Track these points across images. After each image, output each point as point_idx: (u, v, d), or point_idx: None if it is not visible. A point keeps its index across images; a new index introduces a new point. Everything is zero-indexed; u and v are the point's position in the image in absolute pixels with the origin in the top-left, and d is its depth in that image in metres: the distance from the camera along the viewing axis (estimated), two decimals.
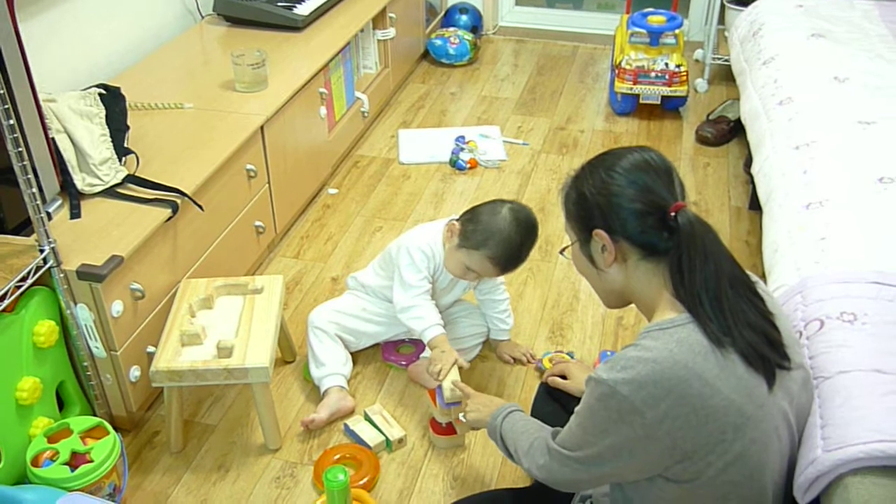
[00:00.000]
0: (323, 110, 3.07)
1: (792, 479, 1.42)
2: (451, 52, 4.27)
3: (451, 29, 4.36)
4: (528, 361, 2.40)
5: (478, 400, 1.89)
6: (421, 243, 2.22)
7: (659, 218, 1.36)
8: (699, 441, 1.28)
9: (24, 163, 1.75)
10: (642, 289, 1.42)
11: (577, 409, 1.42)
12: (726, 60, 3.77)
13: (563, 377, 1.99)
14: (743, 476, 1.33)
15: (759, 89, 2.83)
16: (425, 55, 4.40)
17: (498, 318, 2.40)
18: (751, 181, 2.83)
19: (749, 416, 1.29)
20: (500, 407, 1.75)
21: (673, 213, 1.34)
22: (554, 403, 1.99)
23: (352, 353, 2.36)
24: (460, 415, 1.95)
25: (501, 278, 2.38)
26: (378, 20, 3.62)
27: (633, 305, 1.49)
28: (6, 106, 1.68)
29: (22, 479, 1.88)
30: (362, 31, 3.49)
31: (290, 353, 2.39)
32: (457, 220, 2.19)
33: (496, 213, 2.12)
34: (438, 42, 4.29)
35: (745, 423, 1.29)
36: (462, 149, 3.44)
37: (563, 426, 1.91)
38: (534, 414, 2.03)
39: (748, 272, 1.43)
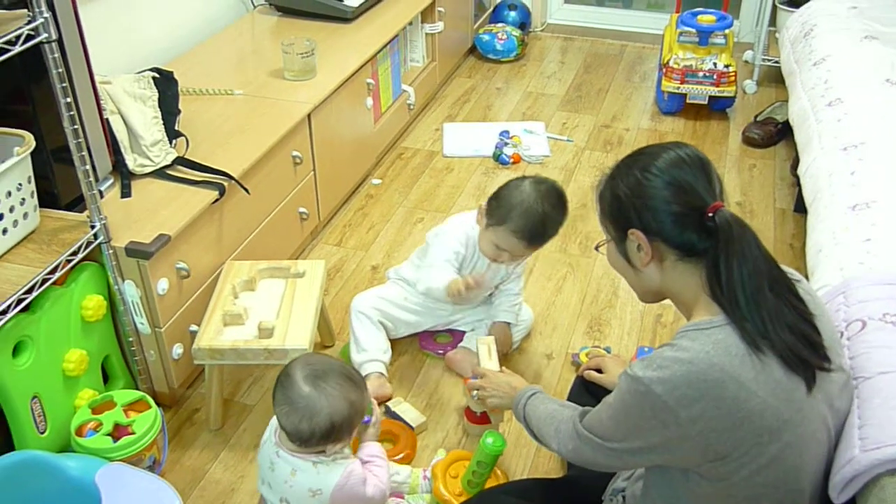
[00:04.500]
0: (369, 101, 3.10)
1: (828, 481, 1.41)
2: (499, 47, 4.28)
3: (500, 25, 4.37)
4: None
5: (495, 383, 1.90)
6: (458, 233, 2.23)
7: (696, 219, 1.34)
8: (734, 443, 1.27)
9: (79, 140, 1.80)
10: (679, 289, 1.41)
11: (608, 399, 1.42)
12: (776, 62, 3.73)
13: (599, 371, 1.99)
14: (777, 479, 1.31)
15: (808, 90, 2.80)
16: (472, 50, 4.41)
17: (503, 301, 2.36)
18: (797, 183, 2.80)
19: (786, 420, 1.28)
20: (520, 393, 1.75)
21: (710, 214, 1.33)
22: (589, 397, 1.99)
23: (389, 341, 2.38)
24: (473, 393, 1.97)
25: (520, 271, 2.37)
26: (427, 14, 3.64)
27: (671, 303, 1.47)
28: (64, 85, 1.73)
29: (66, 448, 1.93)
30: (411, 24, 3.51)
31: (329, 337, 2.42)
32: (486, 202, 2.20)
33: (517, 187, 2.12)
34: (486, 37, 4.30)
35: (781, 426, 1.28)
36: (506, 143, 3.45)
37: None
38: None
39: (791, 271, 1.41)
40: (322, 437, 1.60)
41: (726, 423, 1.26)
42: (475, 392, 1.96)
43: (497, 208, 2.12)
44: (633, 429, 1.35)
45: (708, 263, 1.34)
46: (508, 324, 2.36)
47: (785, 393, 1.28)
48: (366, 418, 1.78)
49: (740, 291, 1.30)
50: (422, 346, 2.43)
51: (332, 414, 1.59)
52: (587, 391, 2.00)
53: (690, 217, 1.34)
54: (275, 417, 1.70)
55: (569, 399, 2.05)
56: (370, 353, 2.27)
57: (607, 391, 1.94)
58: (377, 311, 2.32)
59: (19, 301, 1.74)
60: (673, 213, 1.35)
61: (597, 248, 1.57)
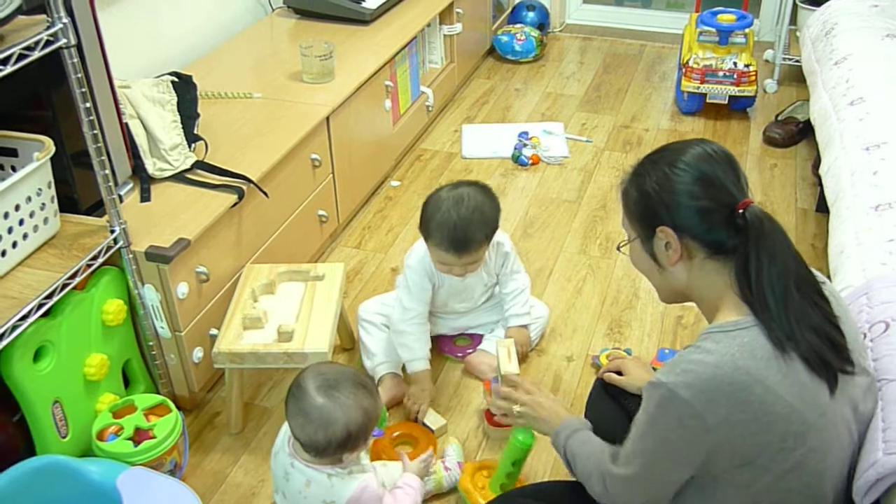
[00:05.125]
0: (388, 103, 3.10)
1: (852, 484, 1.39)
2: (517, 48, 4.27)
3: (518, 25, 4.36)
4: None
5: (543, 403, 1.78)
6: (414, 262, 2.21)
7: (726, 215, 1.32)
8: (760, 447, 1.26)
9: (99, 145, 1.81)
10: (706, 288, 1.39)
11: (635, 419, 1.38)
12: (797, 61, 3.69)
13: (619, 373, 1.98)
14: (800, 484, 1.30)
15: (829, 89, 2.78)
16: (491, 51, 4.40)
17: (512, 305, 2.34)
18: (818, 183, 2.78)
19: (811, 425, 1.26)
20: (563, 423, 1.67)
21: (741, 210, 1.31)
22: (609, 399, 1.98)
23: None
24: (515, 408, 1.85)
25: (516, 267, 2.34)
26: (445, 15, 3.64)
27: (692, 304, 1.46)
28: (83, 90, 1.74)
29: (87, 452, 1.94)
30: (429, 25, 3.51)
31: (348, 340, 2.42)
32: None
33: (433, 199, 2.08)
34: (505, 38, 4.29)
35: (806, 431, 1.26)
36: (525, 145, 3.44)
37: (618, 422, 1.91)
38: (589, 409, 2.02)
39: (815, 271, 1.40)
40: (338, 446, 1.59)
41: (753, 427, 1.25)
42: (517, 408, 1.80)
43: (421, 227, 2.10)
44: (660, 440, 1.32)
45: (737, 261, 1.33)
46: (524, 326, 2.35)
47: (810, 397, 1.27)
48: (376, 431, 1.76)
49: (769, 291, 1.28)
50: (440, 350, 2.42)
51: (347, 423, 1.57)
52: (607, 393, 1.99)
53: (720, 213, 1.33)
54: (286, 426, 1.69)
55: (588, 402, 2.04)
56: (379, 356, 2.27)
57: (627, 394, 1.94)
58: (382, 317, 2.32)
59: (40, 306, 1.75)
60: (703, 209, 1.34)
61: (619, 249, 1.54)
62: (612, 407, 1.97)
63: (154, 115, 2.22)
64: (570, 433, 1.64)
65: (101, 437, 1.91)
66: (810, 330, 1.29)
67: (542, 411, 1.78)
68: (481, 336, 2.41)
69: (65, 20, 1.65)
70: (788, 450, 1.26)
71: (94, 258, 1.89)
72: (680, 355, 1.31)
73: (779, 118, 3.56)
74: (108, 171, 1.85)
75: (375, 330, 2.31)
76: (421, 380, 2.19)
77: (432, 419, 2.16)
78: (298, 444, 1.64)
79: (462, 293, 2.31)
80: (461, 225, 2.03)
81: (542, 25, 4.49)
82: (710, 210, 1.33)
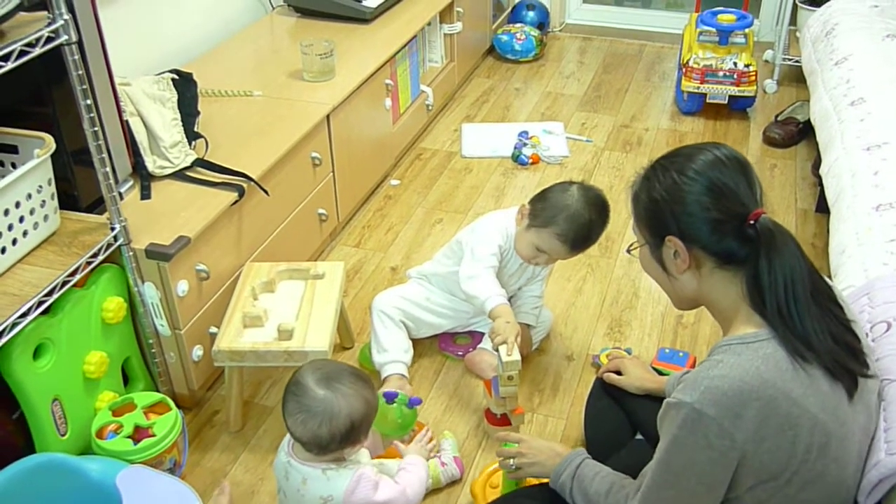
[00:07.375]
0: (388, 102, 3.10)
1: None
2: (517, 47, 4.27)
3: (518, 25, 4.36)
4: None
5: (533, 447, 1.73)
6: (499, 226, 2.21)
7: (736, 226, 1.29)
8: (785, 462, 1.24)
9: (99, 142, 1.80)
10: (718, 297, 1.36)
11: (656, 452, 1.33)
12: (797, 61, 3.69)
13: (619, 373, 1.98)
14: (820, 494, 1.29)
15: (830, 90, 2.78)
16: (491, 50, 4.40)
17: (524, 303, 2.33)
18: (819, 183, 2.78)
19: (833, 435, 1.25)
20: (563, 462, 1.61)
21: (752, 222, 1.28)
22: (608, 399, 1.99)
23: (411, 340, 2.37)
24: (510, 462, 1.76)
25: (544, 274, 2.35)
26: (445, 14, 3.63)
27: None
28: (84, 87, 1.73)
29: (86, 450, 1.93)
30: (429, 24, 3.50)
31: (348, 339, 2.42)
32: (528, 203, 2.18)
33: (565, 191, 2.10)
34: (504, 38, 4.29)
35: (828, 442, 1.25)
36: (525, 144, 3.43)
37: (617, 421, 1.91)
38: (588, 409, 2.03)
39: (824, 278, 1.38)
40: (342, 439, 1.58)
41: (780, 441, 1.23)
42: (511, 461, 1.75)
43: (543, 210, 2.11)
44: (688, 465, 1.27)
45: (749, 272, 1.30)
46: (529, 325, 2.34)
47: (831, 407, 1.25)
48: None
49: (783, 302, 1.26)
50: (441, 348, 2.42)
51: (350, 413, 1.56)
52: (606, 393, 1.99)
53: (730, 224, 1.30)
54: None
55: (588, 401, 2.04)
56: (391, 353, 2.26)
57: (626, 393, 1.93)
58: (399, 311, 2.31)
59: (40, 303, 1.74)
60: (712, 220, 1.30)
61: (629, 252, 1.50)
62: (611, 407, 1.97)
63: (154, 112, 2.21)
64: (572, 476, 1.57)
65: (100, 434, 1.90)
66: (829, 338, 1.27)
67: (537, 456, 1.71)
68: (482, 334, 2.40)
69: (66, 17, 1.64)
70: (811, 461, 1.25)
71: (94, 256, 1.88)
72: (698, 372, 1.27)
73: (778, 118, 3.56)
74: (108, 169, 1.84)
75: (392, 324, 2.29)
76: (504, 313, 2.03)
77: (507, 356, 1.95)
78: (298, 445, 1.62)
79: (512, 276, 2.29)
80: (590, 226, 2.08)
81: (542, 25, 4.48)
82: (719, 221, 1.30)
